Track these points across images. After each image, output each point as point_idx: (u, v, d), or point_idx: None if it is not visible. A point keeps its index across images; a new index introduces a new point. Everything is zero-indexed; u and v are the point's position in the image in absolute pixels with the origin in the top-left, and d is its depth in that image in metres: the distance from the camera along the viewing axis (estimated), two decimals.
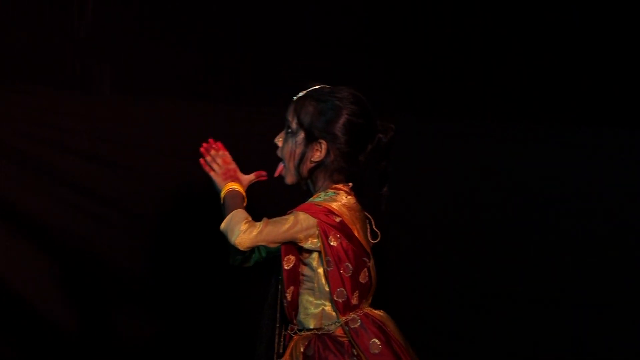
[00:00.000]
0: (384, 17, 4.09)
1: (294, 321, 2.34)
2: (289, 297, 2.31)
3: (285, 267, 2.30)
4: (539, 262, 3.79)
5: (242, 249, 2.27)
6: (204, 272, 3.81)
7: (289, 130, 2.37)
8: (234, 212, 2.32)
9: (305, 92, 2.37)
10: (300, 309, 2.33)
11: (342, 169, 2.34)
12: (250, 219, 2.30)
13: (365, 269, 2.33)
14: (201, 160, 2.45)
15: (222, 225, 2.31)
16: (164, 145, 3.89)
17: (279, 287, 2.34)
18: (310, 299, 2.32)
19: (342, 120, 2.32)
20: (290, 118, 2.37)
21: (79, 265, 3.74)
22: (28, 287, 3.66)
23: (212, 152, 2.45)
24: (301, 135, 2.34)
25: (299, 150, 2.35)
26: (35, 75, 3.84)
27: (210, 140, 2.46)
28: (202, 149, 2.45)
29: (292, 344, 2.35)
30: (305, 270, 2.33)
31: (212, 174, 2.43)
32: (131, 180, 3.85)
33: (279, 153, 2.41)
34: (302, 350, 2.32)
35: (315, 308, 2.32)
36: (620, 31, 3.92)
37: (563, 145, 3.89)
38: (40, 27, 3.82)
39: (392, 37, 4.07)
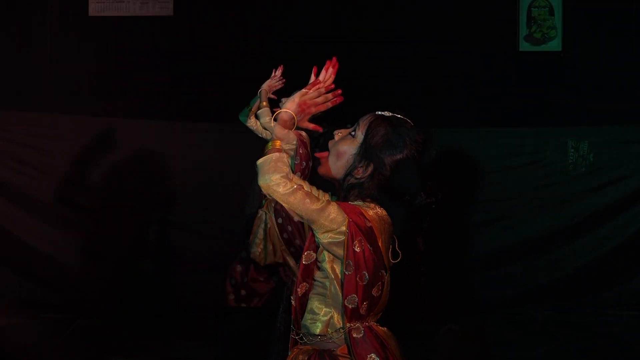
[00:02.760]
0: None
1: (300, 324, 2.32)
2: (299, 292, 2.31)
3: (304, 262, 2.30)
4: None
5: (263, 191, 2.27)
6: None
7: (352, 133, 2.35)
8: (278, 155, 2.27)
9: (389, 114, 2.35)
10: (308, 314, 2.31)
11: (374, 197, 2.32)
12: (288, 172, 2.25)
13: (380, 282, 2.31)
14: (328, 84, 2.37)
15: (260, 161, 2.27)
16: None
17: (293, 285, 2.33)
18: (320, 305, 2.30)
19: (398, 157, 2.31)
20: (361, 125, 2.35)
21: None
22: None
23: (324, 90, 2.36)
24: (361, 149, 2.32)
25: (349, 160, 2.33)
26: None
27: (339, 91, 2.38)
28: (333, 91, 2.37)
29: (291, 355, 2.34)
30: (318, 275, 2.31)
31: (302, 90, 2.37)
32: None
33: (330, 143, 2.38)
34: None
35: (325, 315, 2.30)
36: None
37: None
38: None
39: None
